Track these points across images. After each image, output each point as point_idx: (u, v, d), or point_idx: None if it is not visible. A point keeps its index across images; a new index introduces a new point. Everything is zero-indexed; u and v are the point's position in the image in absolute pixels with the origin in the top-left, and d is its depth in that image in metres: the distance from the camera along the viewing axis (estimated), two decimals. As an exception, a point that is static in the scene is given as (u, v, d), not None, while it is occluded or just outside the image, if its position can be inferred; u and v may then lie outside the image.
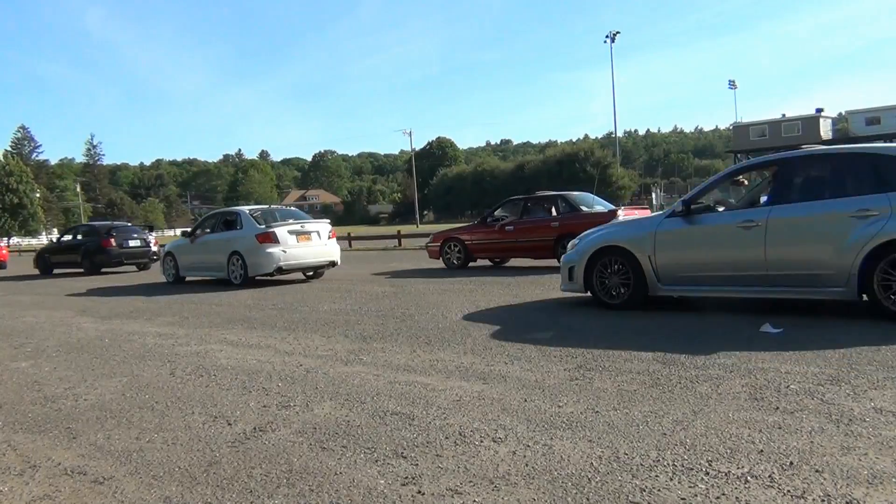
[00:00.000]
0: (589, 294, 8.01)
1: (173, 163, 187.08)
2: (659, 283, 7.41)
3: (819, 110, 66.65)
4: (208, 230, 14.81)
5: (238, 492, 3.05)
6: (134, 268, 21.26)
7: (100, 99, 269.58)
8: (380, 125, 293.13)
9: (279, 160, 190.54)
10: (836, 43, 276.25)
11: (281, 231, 13.17)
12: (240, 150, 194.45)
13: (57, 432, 4.15)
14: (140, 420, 4.30)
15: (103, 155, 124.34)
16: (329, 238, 14.05)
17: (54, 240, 23.23)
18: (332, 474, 3.19)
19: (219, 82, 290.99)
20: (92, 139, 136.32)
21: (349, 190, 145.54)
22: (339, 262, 14.27)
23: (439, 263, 15.42)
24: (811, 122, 65.73)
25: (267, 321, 8.33)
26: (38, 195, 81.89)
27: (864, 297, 6.20)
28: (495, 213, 15.49)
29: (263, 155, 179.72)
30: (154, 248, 21.29)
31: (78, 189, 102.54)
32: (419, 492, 2.93)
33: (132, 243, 20.94)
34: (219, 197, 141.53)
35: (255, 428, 3.98)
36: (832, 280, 6.26)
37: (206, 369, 5.73)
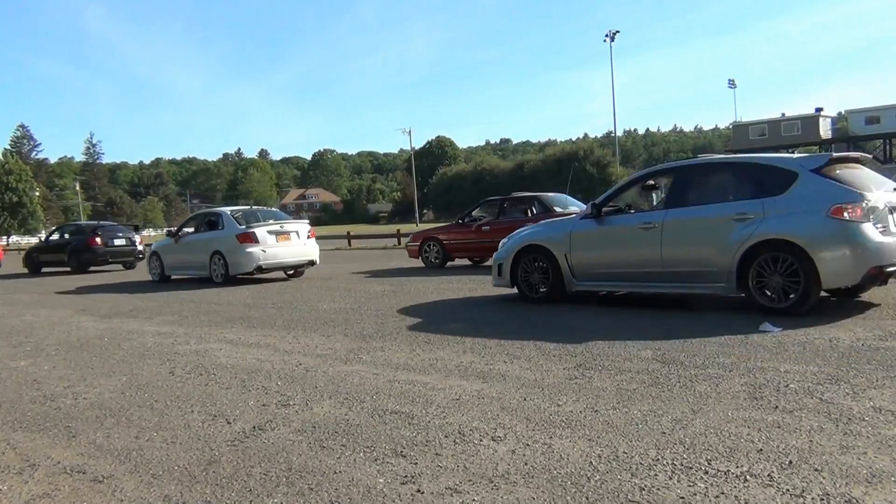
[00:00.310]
0: (515, 289, 8.69)
1: (173, 161, 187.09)
2: (574, 280, 8.11)
3: (818, 110, 66.70)
4: (191, 230, 15.30)
5: (237, 490, 3.05)
6: (120, 266, 21.57)
7: (99, 97, 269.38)
8: (379, 124, 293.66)
9: (279, 159, 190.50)
10: (836, 42, 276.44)
11: (261, 231, 13.64)
12: (239, 148, 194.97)
13: (56, 431, 4.15)
14: (139, 419, 4.31)
15: (103, 153, 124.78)
16: (308, 238, 14.44)
17: (41, 239, 23.41)
18: (331, 473, 3.19)
19: (218, 80, 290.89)
20: (91, 138, 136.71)
21: (349, 189, 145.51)
22: (317, 262, 14.68)
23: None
24: (810, 121, 65.80)
25: (266, 320, 8.33)
26: (37, 194, 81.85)
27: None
28: (473, 213, 15.81)
29: (263, 154, 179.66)
30: (140, 248, 21.74)
31: (77, 188, 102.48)
32: (418, 490, 2.93)
33: (117, 242, 21.35)
34: (218, 196, 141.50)
35: (254, 427, 3.98)
36: (716, 276, 6.91)
37: (206, 368, 5.73)
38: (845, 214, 6.26)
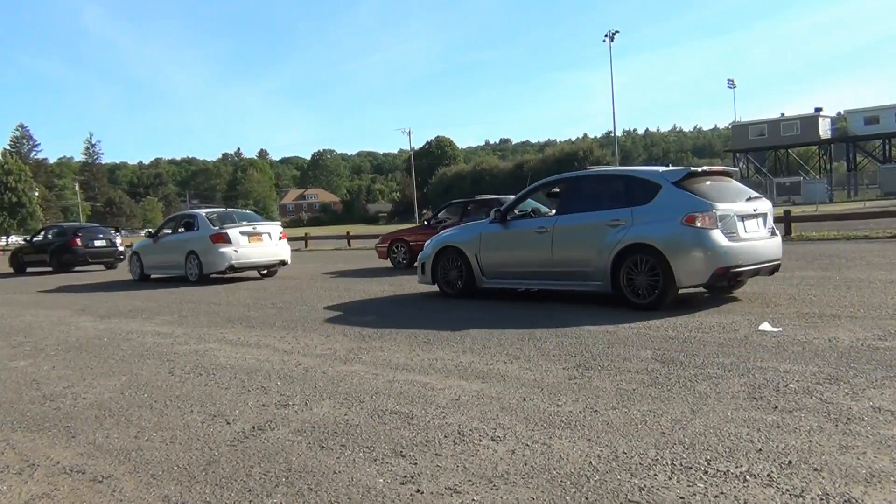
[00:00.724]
0: (436, 286, 9.75)
1: (172, 161, 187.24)
2: (483, 278, 9.15)
3: (818, 110, 66.71)
4: (169, 231, 16.06)
5: (237, 491, 3.05)
6: (102, 266, 22.41)
7: (98, 97, 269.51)
8: (379, 124, 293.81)
9: (278, 159, 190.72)
10: (836, 42, 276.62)
11: (233, 232, 14.33)
12: (239, 148, 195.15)
13: (56, 431, 4.15)
14: (139, 419, 4.30)
15: (102, 153, 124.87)
16: (280, 239, 15.14)
17: (26, 240, 24.92)
18: (330, 473, 3.19)
19: (218, 81, 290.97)
20: (91, 138, 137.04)
21: (348, 189, 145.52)
22: (289, 262, 15.38)
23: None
24: (810, 121, 65.79)
25: (266, 320, 8.33)
26: (36, 194, 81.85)
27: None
28: (439, 215, 16.05)
29: (262, 154, 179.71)
30: (121, 248, 22.76)
31: (77, 188, 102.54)
32: (418, 491, 2.93)
33: (98, 243, 22.16)
34: (218, 196, 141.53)
35: (253, 427, 3.98)
36: (595, 276, 7.84)
37: (205, 368, 5.73)
38: (697, 222, 7.16)
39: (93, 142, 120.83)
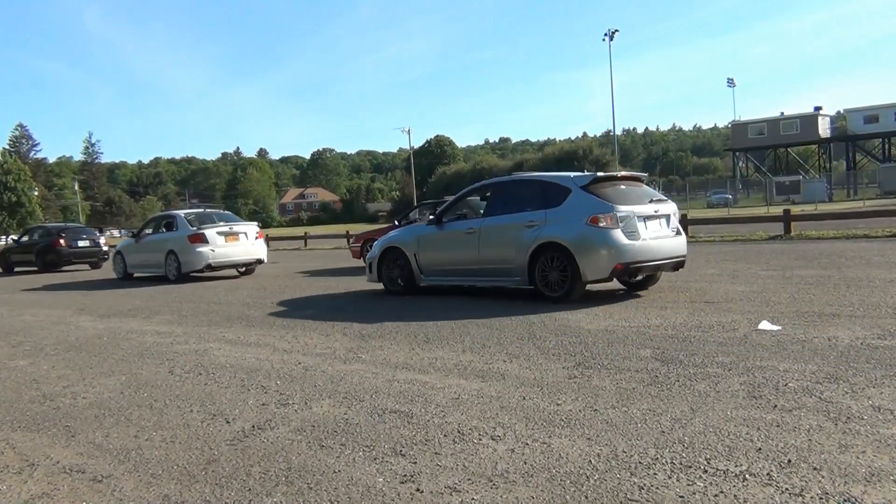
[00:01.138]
0: (381, 284, 10.46)
1: (172, 161, 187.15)
2: (422, 276, 9.89)
3: (817, 108, 66.75)
4: (150, 231, 16.57)
5: (237, 490, 3.05)
6: (87, 266, 23.04)
7: (98, 97, 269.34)
8: (378, 123, 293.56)
9: (278, 158, 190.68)
10: (835, 41, 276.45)
11: (210, 232, 14.93)
12: (238, 148, 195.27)
13: (55, 430, 4.15)
14: (139, 418, 4.30)
15: (101, 153, 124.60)
16: (256, 238, 15.79)
17: (13, 240, 25.77)
18: (330, 472, 3.19)
19: (217, 80, 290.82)
20: (90, 137, 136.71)
21: (348, 188, 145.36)
22: (265, 260, 16.15)
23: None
24: (809, 120, 65.84)
25: (265, 319, 8.33)
26: (36, 193, 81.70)
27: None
28: (410, 215, 16.39)
29: (262, 153, 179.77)
30: (105, 248, 23.31)
31: (76, 187, 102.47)
32: (418, 490, 2.93)
33: (81, 243, 22.77)
34: (217, 195, 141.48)
35: (253, 426, 3.98)
36: (516, 272, 8.60)
37: (205, 368, 5.73)
38: (600, 223, 7.93)
39: (92, 141, 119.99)
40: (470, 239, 9.18)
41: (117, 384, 5.29)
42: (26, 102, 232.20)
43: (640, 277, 8.91)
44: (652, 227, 8.35)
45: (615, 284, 9.02)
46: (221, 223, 15.48)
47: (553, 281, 8.25)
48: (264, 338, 7.02)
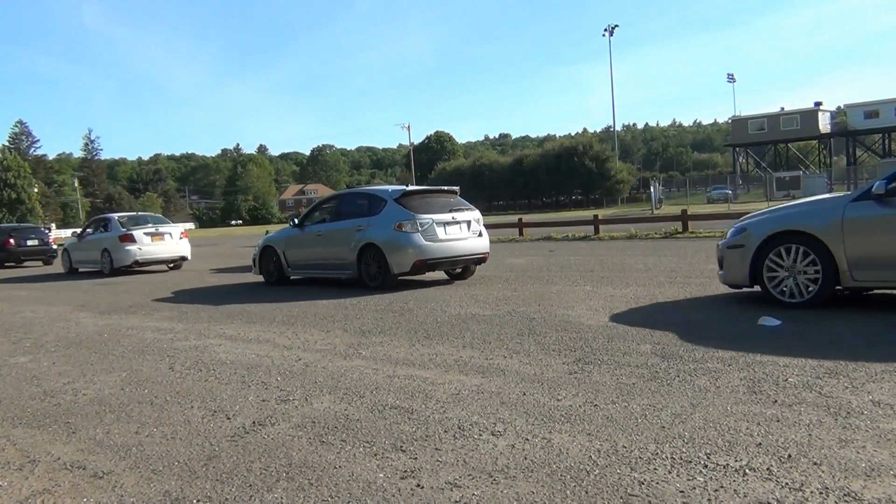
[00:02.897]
0: (262, 277, 12.62)
1: (171, 157, 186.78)
2: (289, 269, 12.05)
3: (817, 104, 66.67)
4: (91, 231, 18.65)
5: (237, 486, 3.06)
6: (40, 263, 24.90)
7: (97, 93, 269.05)
8: (378, 119, 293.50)
9: (277, 154, 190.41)
10: (835, 37, 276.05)
11: (138, 233, 17.17)
12: (238, 144, 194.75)
13: (56, 427, 4.15)
14: (139, 414, 4.31)
15: (101, 150, 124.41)
16: (181, 238, 18.07)
17: None
18: (331, 468, 3.19)
19: (217, 76, 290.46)
20: (90, 134, 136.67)
21: (348, 184, 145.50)
22: (189, 258, 18.35)
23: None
24: (809, 115, 65.77)
25: (265, 315, 8.34)
26: (35, 190, 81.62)
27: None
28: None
29: (262, 149, 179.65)
30: (54, 246, 25.08)
31: (76, 184, 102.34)
32: (418, 485, 2.94)
33: (30, 242, 24.50)
34: (217, 191, 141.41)
35: (254, 422, 3.99)
36: (349, 267, 10.77)
37: (205, 364, 5.73)
38: (403, 228, 10.03)
39: (92, 138, 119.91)
40: (320, 239, 11.43)
41: (118, 380, 5.30)
42: (26, 99, 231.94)
43: (447, 270, 11.17)
44: (451, 230, 10.40)
45: (621, 283, 9.01)
46: (149, 225, 17.80)
47: (372, 273, 10.39)
48: (264, 334, 7.02)
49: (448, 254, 10.28)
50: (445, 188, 11.55)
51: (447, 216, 10.41)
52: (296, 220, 12.26)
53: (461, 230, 10.53)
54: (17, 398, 4.93)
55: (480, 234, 10.82)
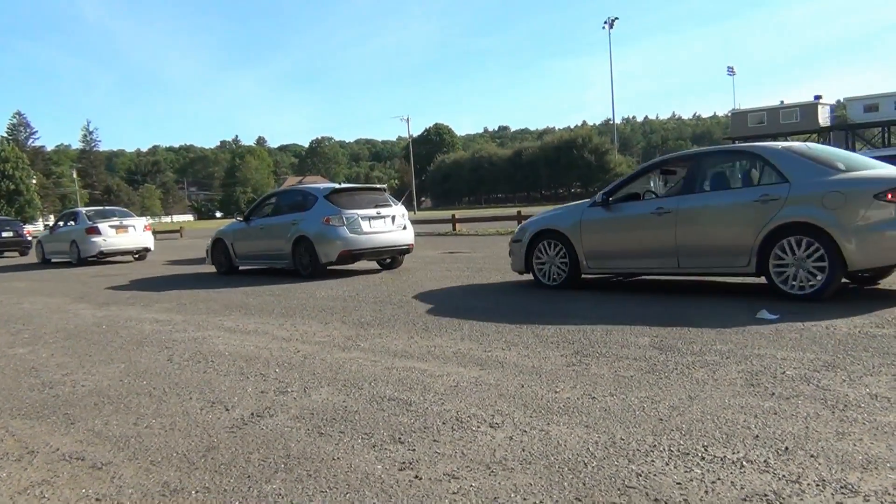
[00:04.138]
0: (213, 267, 13.79)
1: (170, 149, 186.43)
2: (237, 260, 13.19)
3: (817, 97, 66.52)
4: (61, 224, 20.30)
5: (236, 477, 3.06)
6: (16, 253, 26.10)
7: (96, 85, 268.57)
8: (377, 112, 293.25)
9: (276, 147, 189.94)
10: (835, 30, 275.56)
11: (103, 225, 18.53)
12: (237, 136, 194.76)
13: (55, 418, 4.16)
14: (138, 406, 4.31)
15: (100, 141, 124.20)
16: (144, 231, 19.48)
17: None
18: (329, 459, 3.20)
19: (216, 68, 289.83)
20: (88, 125, 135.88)
21: (346, 176, 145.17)
22: (152, 249, 19.87)
23: (434, 251, 15.51)
24: (809, 108, 65.68)
25: (264, 307, 8.34)
26: (34, 182, 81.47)
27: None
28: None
29: (260, 141, 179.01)
30: (28, 238, 26.30)
31: (74, 175, 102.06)
32: (416, 477, 2.94)
33: (5, 234, 25.70)
34: (216, 183, 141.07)
35: (252, 413, 3.99)
36: (286, 257, 11.89)
37: (204, 355, 5.73)
38: (330, 222, 11.10)
39: (90, 129, 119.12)
40: (262, 233, 12.53)
41: (116, 372, 5.30)
42: (24, 90, 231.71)
43: (379, 261, 12.35)
44: (376, 224, 11.46)
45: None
46: (114, 218, 19.19)
47: (305, 263, 11.48)
48: (263, 326, 7.02)
49: (372, 245, 11.37)
50: (373, 186, 13.09)
51: (372, 211, 11.49)
52: (243, 215, 13.42)
53: (385, 224, 11.60)
54: (15, 389, 4.93)
55: (405, 228, 11.94)
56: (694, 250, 7.21)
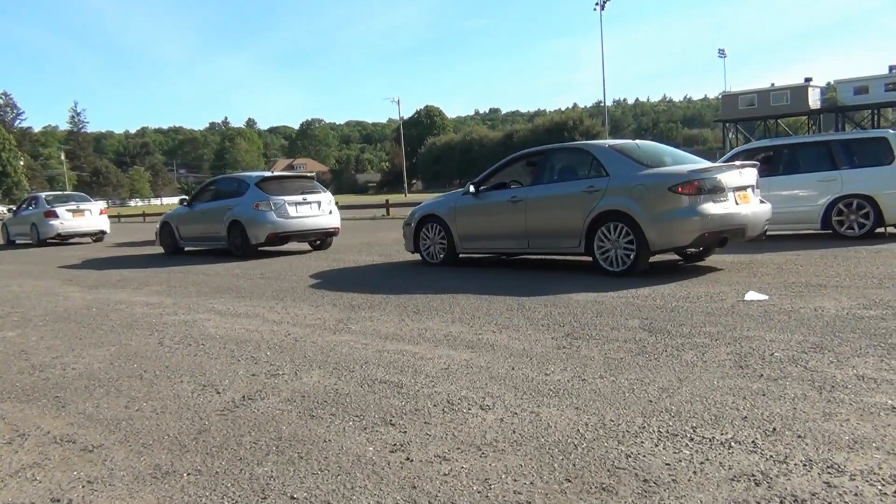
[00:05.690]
0: (162, 249, 15.03)
1: (159, 131, 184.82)
2: (182, 241, 14.43)
3: (808, 79, 66.51)
4: (24, 207, 21.97)
5: (227, 459, 3.07)
6: None
7: (84, 65, 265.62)
8: (367, 93, 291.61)
9: (266, 128, 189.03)
10: (826, 12, 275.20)
11: (61, 209, 20.09)
12: (226, 118, 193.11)
13: (45, 401, 4.15)
14: (129, 389, 4.31)
15: (87, 122, 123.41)
16: (100, 214, 20.99)
17: None
18: (320, 442, 3.21)
19: (205, 49, 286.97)
20: (76, 106, 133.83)
21: (337, 158, 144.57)
22: (108, 231, 21.38)
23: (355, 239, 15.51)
24: (799, 91, 65.66)
25: (255, 290, 8.32)
26: (21, 163, 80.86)
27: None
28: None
29: (250, 123, 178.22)
30: None
31: (62, 157, 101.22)
32: (407, 458, 2.96)
33: None
34: (206, 165, 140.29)
35: (243, 396, 4.00)
36: (223, 239, 13.08)
37: (195, 338, 5.73)
38: (259, 207, 12.31)
39: (78, 110, 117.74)
40: (202, 216, 13.68)
41: (107, 355, 5.29)
42: (10, 70, 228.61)
43: (310, 242, 13.51)
44: (303, 209, 12.62)
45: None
46: (71, 203, 20.77)
47: (238, 244, 12.64)
48: (254, 308, 7.01)
49: (298, 228, 12.58)
50: (301, 174, 15.14)
51: (298, 198, 12.66)
52: (187, 200, 14.62)
53: (311, 209, 12.79)
54: (5, 372, 4.91)
55: (331, 213, 13.11)
56: (539, 233, 8.43)
